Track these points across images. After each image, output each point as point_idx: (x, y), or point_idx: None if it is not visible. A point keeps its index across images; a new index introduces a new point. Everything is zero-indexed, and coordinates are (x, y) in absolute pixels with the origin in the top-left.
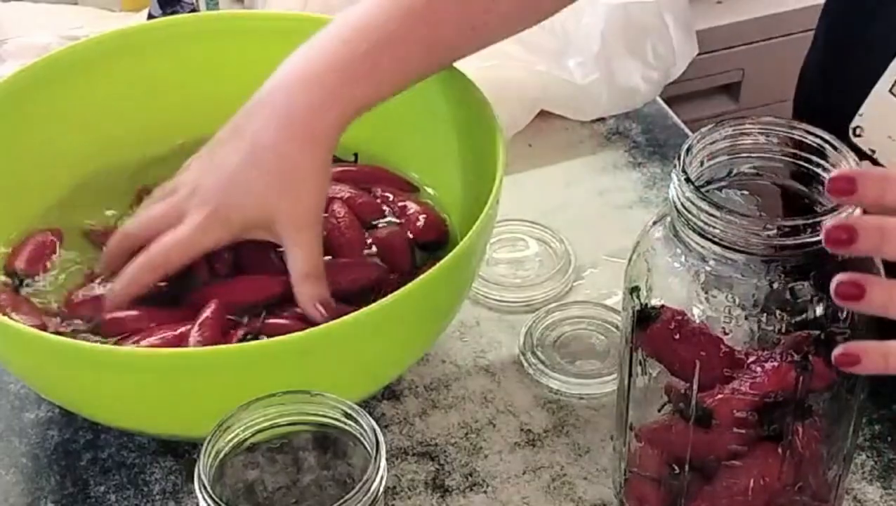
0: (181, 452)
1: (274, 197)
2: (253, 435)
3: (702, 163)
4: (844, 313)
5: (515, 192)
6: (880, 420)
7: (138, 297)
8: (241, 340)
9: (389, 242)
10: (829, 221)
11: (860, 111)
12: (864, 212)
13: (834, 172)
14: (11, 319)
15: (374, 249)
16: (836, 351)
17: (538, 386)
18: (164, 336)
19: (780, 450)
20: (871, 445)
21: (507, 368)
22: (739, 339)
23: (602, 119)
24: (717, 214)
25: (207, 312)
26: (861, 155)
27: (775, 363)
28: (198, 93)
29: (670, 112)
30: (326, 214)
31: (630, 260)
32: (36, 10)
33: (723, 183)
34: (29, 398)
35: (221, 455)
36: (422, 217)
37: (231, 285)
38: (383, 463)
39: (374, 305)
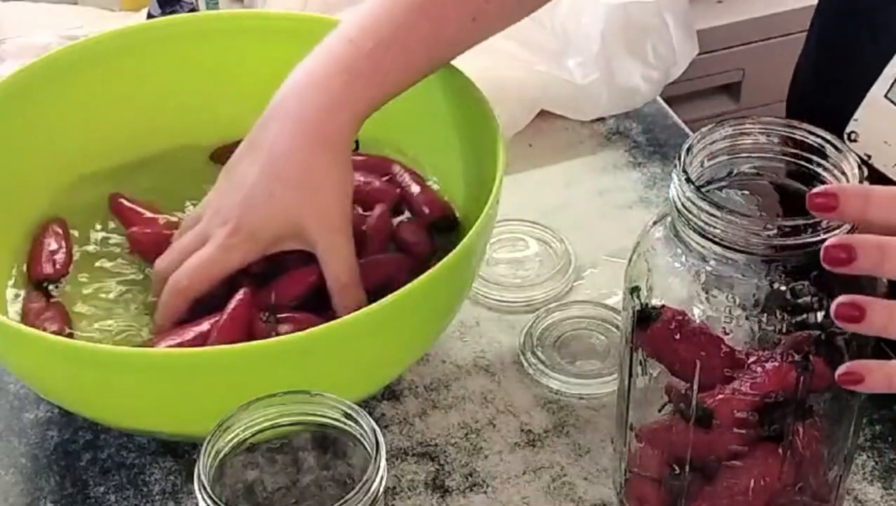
0: (181, 452)
1: (299, 206)
2: (253, 435)
3: (702, 163)
4: None
5: (515, 192)
6: (881, 420)
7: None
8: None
9: (409, 234)
10: (828, 240)
11: (855, 116)
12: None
13: (814, 189)
14: (46, 329)
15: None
16: (840, 370)
17: (538, 386)
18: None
19: (780, 450)
20: (871, 445)
21: (507, 369)
22: (740, 339)
23: (602, 119)
24: (718, 213)
25: (228, 311)
26: None
27: (776, 363)
28: (198, 93)
29: (670, 112)
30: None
31: (630, 260)
32: (36, 10)
33: (723, 183)
34: (28, 398)
35: (221, 455)
36: (427, 199)
37: (272, 286)
38: (383, 463)
39: (374, 305)
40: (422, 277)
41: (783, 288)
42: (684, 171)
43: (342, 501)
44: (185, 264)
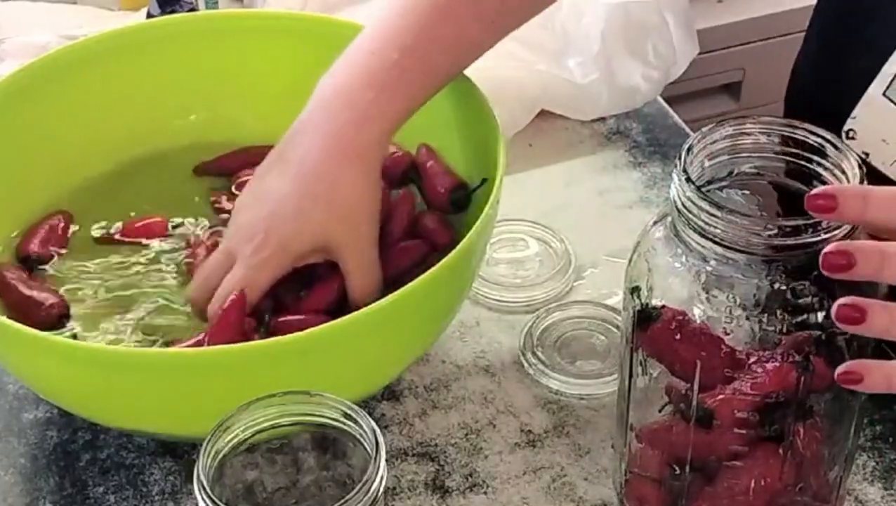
0: (180, 452)
1: (328, 222)
2: (252, 435)
3: (703, 163)
4: None
5: (515, 192)
6: (881, 421)
7: None
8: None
9: (430, 221)
10: (827, 245)
11: (853, 114)
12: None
13: (813, 191)
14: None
15: None
16: (840, 369)
17: (538, 386)
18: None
19: (781, 450)
20: (872, 445)
21: (507, 369)
22: (740, 339)
23: (602, 119)
24: (718, 213)
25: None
26: None
27: (776, 364)
28: (197, 92)
29: (671, 112)
30: None
31: (630, 260)
32: (35, 10)
33: (724, 183)
34: (28, 399)
35: (221, 456)
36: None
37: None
38: (383, 464)
39: (374, 305)
40: (422, 277)
41: (784, 288)
42: (685, 170)
43: (342, 501)
44: (218, 294)
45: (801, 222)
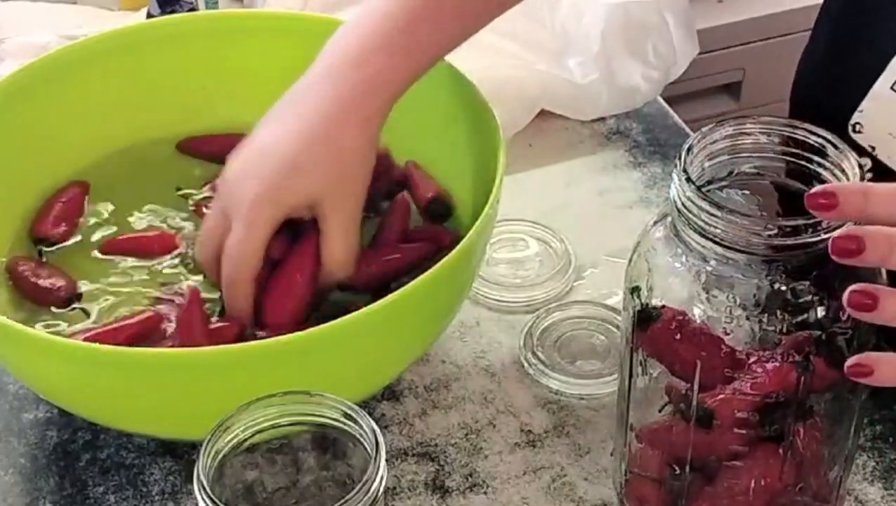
0: (180, 452)
1: (324, 182)
2: (252, 435)
3: (703, 163)
4: (846, 314)
5: (515, 192)
6: (881, 421)
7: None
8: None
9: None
10: (836, 231)
11: (860, 108)
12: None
13: (813, 189)
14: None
15: None
16: (849, 362)
17: (538, 386)
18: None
19: (781, 451)
20: (872, 445)
21: (507, 369)
22: (740, 339)
23: (602, 119)
24: (718, 213)
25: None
26: (860, 151)
27: (776, 364)
28: (197, 92)
29: (671, 112)
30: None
31: (630, 260)
32: (35, 10)
33: (724, 183)
34: (28, 398)
35: (221, 456)
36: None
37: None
38: (383, 464)
39: (374, 305)
40: (422, 276)
41: (784, 288)
42: (685, 170)
43: (342, 501)
44: (224, 258)
45: (801, 222)
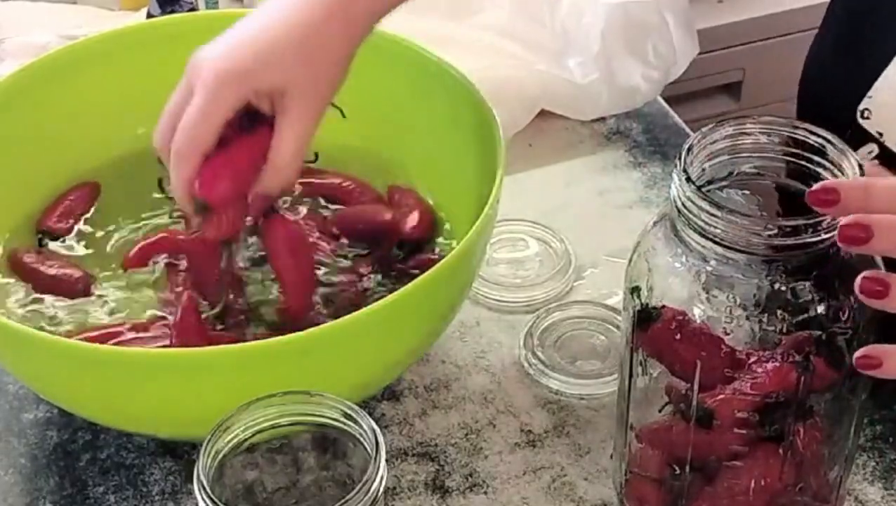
0: (180, 452)
1: (295, 71)
2: (252, 435)
3: (703, 163)
4: (846, 314)
5: (515, 192)
6: (881, 421)
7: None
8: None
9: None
10: (844, 219)
11: (869, 94)
12: None
13: (814, 186)
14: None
15: None
16: (858, 354)
17: (538, 386)
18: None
19: (781, 451)
20: (872, 445)
21: (507, 369)
22: (740, 339)
23: (602, 119)
24: (718, 213)
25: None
26: (868, 138)
27: (776, 364)
28: None
29: (671, 112)
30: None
31: (630, 260)
32: (35, 9)
33: (724, 183)
34: (28, 399)
35: (221, 456)
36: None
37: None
38: (383, 464)
39: (374, 305)
40: (422, 276)
41: (784, 288)
42: (685, 170)
43: (342, 501)
44: (179, 128)
45: (801, 222)
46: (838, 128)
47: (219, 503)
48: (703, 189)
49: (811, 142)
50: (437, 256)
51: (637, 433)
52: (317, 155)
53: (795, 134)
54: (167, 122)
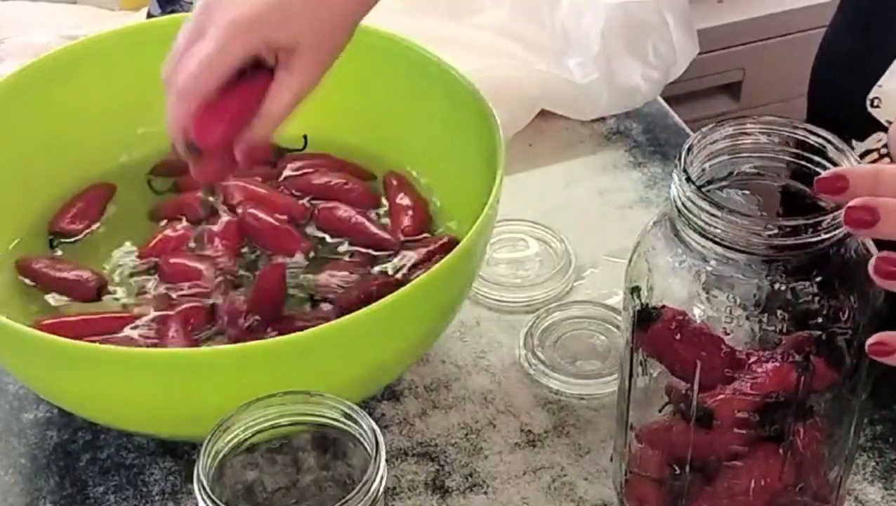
0: (180, 452)
1: (307, 27)
2: (252, 435)
3: (703, 163)
4: (846, 314)
5: (515, 192)
6: (881, 421)
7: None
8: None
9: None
10: (851, 201)
11: (879, 83)
12: None
13: (822, 174)
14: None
15: None
16: (871, 340)
17: (538, 386)
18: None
19: (781, 451)
20: (872, 445)
21: (507, 369)
22: (740, 339)
23: (602, 119)
24: (719, 213)
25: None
26: (877, 126)
27: (776, 364)
28: None
29: (671, 112)
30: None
31: (631, 260)
32: (35, 9)
33: (724, 183)
34: (28, 399)
35: (221, 456)
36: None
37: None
38: (383, 464)
39: (374, 305)
40: (422, 277)
41: (784, 288)
42: (685, 170)
43: (342, 501)
44: (182, 67)
45: (801, 222)
46: (849, 116)
47: (219, 503)
48: (703, 189)
49: (811, 142)
50: (436, 240)
51: (637, 433)
52: (306, 139)
53: (795, 134)
54: (175, 59)
